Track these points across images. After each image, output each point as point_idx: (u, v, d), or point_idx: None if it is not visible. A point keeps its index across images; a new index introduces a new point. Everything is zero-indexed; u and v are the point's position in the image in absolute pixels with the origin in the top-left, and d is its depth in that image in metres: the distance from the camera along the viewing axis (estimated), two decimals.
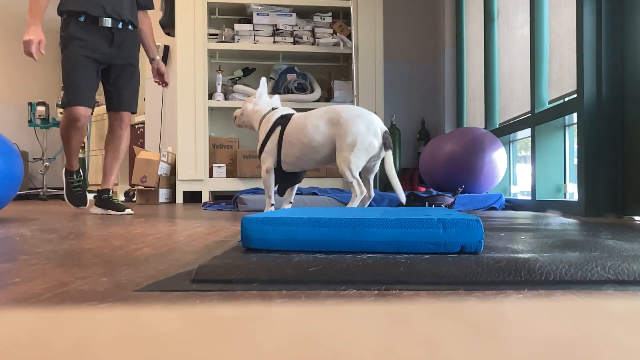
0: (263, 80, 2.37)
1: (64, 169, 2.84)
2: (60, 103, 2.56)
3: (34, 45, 2.38)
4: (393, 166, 2.07)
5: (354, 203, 2.03)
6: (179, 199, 4.35)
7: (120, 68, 2.69)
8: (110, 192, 2.73)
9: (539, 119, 2.93)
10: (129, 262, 0.95)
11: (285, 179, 2.24)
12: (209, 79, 4.45)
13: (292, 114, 2.21)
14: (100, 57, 2.61)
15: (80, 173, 2.83)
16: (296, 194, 3.12)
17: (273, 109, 2.27)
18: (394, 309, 0.25)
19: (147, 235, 1.45)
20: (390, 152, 2.06)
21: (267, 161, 2.17)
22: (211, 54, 4.55)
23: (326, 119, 2.08)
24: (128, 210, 2.66)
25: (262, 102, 2.32)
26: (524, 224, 1.75)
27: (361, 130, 2.00)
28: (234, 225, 1.82)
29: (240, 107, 2.45)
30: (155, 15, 4.80)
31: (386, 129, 2.09)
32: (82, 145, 5.53)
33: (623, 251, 0.95)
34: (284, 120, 2.17)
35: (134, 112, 2.80)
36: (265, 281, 0.73)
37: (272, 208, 2.24)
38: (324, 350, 0.20)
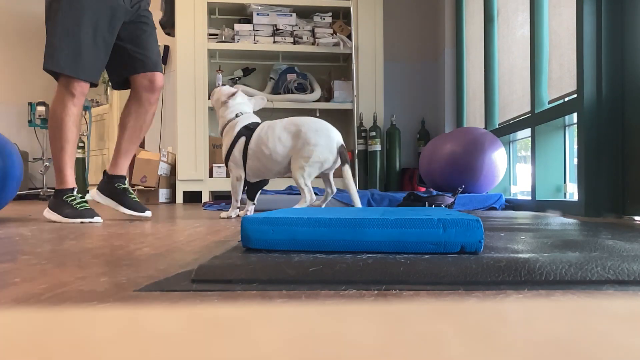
0: (241, 91, 2.31)
1: (56, 189, 2.07)
2: (48, 66, 2.00)
3: None
4: (352, 180, 2.19)
5: (303, 205, 2.09)
6: (179, 199, 4.35)
7: (138, 26, 2.16)
8: (126, 182, 2.20)
9: (539, 119, 2.93)
10: (129, 262, 0.95)
11: (252, 185, 2.30)
12: (209, 79, 4.45)
13: (257, 125, 2.21)
14: (116, 5, 2.04)
15: (76, 189, 2.08)
16: (296, 193, 3.12)
17: (237, 115, 2.25)
18: (394, 309, 0.25)
19: (147, 235, 1.45)
20: (347, 167, 2.12)
21: (236, 170, 2.21)
22: (211, 54, 4.55)
23: (287, 131, 2.12)
24: (148, 213, 2.17)
25: (231, 107, 2.26)
26: (524, 224, 1.75)
27: (319, 145, 2.07)
28: (234, 225, 1.82)
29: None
30: (155, 15, 4.81)
31: (342, 143, 2.14)
32: (82, 145, 5.52)
33: (623, 251, 0.95)
34: (248, 131, 2.18)
35: None
36: (265, 281, 0.73)
37: (238, 211, 2.30)
38: (324, 350, 0.20)
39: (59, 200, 2.03)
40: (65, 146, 2.03)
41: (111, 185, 2.16)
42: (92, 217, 1.98)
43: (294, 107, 4.46)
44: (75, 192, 2.05)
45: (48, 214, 2.04)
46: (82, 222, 1.94)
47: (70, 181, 2.06)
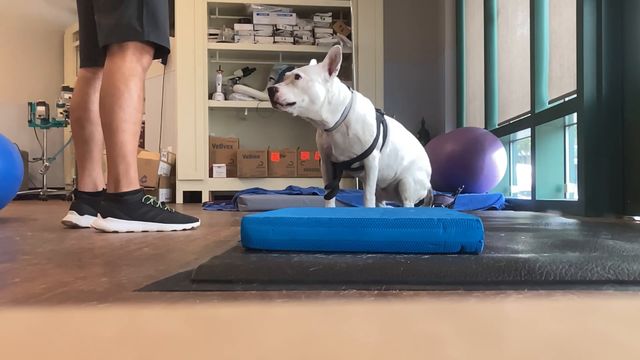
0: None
1: (134, 190, 1.56)
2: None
3: None
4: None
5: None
6: (179, 199, 4.35)
7: None
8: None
9: (539, 119, 2.93)
10: (129, 262, 0.95)
11: None
12: (209, 79, 4.44)
13: None
14: None
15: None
16: (296, 193, 3.12)
17: None
18: (394, 309, 0.25)
19: (147, 235, 1.45)
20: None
21: None
22: (211, 54, 4.55)
23: None
24: (197, 223, 1.67)
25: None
26: (524, 224, 1.75)
27: None
28: (234, 225, 1.82)
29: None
30: None
31: None
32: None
33: (623, 251, 0.95)
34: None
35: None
36: (265, 281, 0.73)
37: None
38: (324, 350, 0.20)
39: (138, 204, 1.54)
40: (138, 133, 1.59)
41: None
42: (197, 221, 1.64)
43: None
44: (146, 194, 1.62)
45: (116, 224, 1.52)
46: (192, 228, 1.60)
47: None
